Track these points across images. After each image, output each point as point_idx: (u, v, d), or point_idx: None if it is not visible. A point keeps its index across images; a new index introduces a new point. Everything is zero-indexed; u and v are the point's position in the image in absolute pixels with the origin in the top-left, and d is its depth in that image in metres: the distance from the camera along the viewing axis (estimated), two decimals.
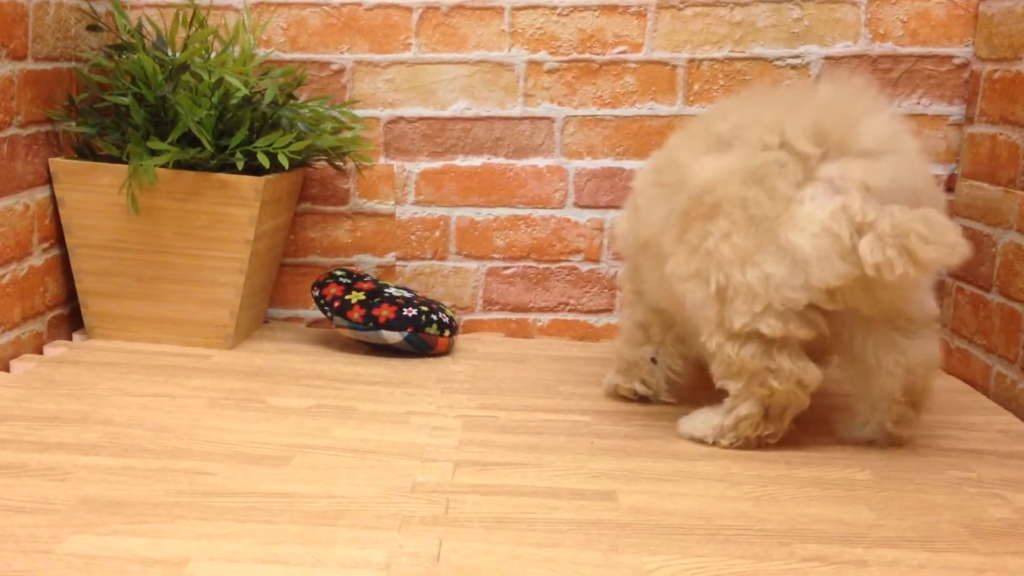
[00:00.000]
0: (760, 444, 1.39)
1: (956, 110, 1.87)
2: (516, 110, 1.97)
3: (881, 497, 1.24)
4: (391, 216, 2.01)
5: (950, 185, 1.89)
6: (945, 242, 1.24)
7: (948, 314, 1.87)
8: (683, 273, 1.38)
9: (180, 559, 1.00)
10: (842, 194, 1.28)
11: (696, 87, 1.94)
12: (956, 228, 1.26)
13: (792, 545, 1.09)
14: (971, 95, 1.83)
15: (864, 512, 1.19)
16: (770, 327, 1.31)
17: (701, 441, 1.42)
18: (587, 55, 1.95)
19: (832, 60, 1.89)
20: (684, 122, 1.92)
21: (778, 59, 1.91)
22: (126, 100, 1.74)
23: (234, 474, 1.23)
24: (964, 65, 1.86)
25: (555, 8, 1.94)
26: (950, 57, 1.87)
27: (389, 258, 2.02)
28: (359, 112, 1.96)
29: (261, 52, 1.94)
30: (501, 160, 1.99)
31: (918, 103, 1.88)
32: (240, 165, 1.71)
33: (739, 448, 1.39)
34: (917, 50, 1.87)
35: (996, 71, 1.74)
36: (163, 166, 1.71)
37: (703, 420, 1.43)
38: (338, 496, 1.18)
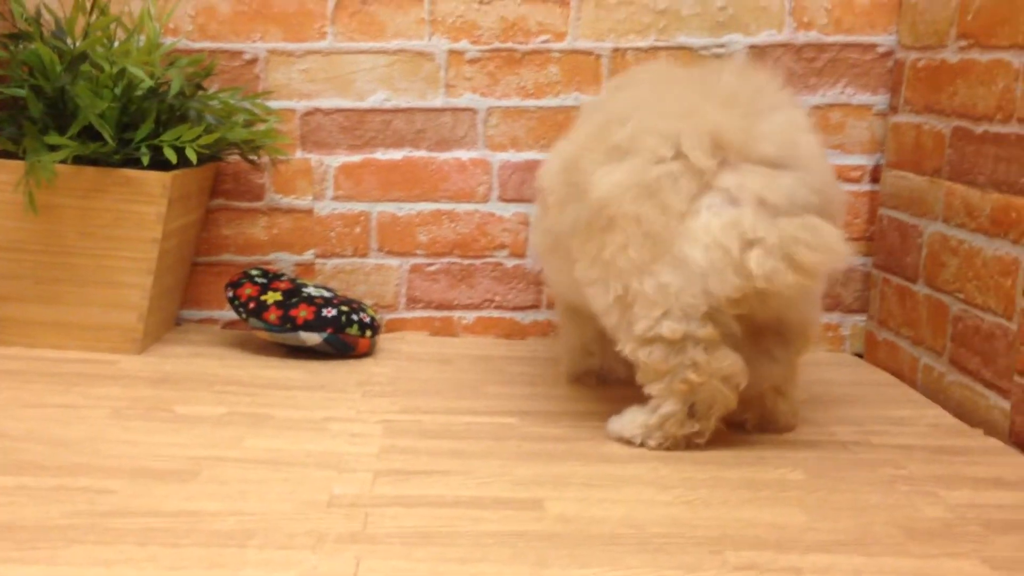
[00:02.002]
0: (689, 444, 1.36)
1: (881, 99, 1.86)
2: (437, 101, 1.91)
3: (814, 498, 1.21)
4: (309, 212, 1.93)
5: (875, 176, 1.88)
6: (828, 248, 1.25)
7: (875, 306, 1.85)
8: (587, 279, 1.39)
9: None
10: (737, 207, 1.27)
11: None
12: (840, 234, 1.27)
13: (724, 553, 1.05)
14: (895, 84, 1.82)
15: (797, 515, 1.16)
16: (671, 330, 1.29)
17: (629, 442, 1.38)
18: (510, 44, 1.89)
19: (757, 49, 1.86)
20: None
21: (703, 48, 1.87)
22: (23, 92, 1.64)
23: (136, 492, 1.16)
24: (888, 53, 1.84)
25: None
26: (874, 45, 1.85)
27: (308, 256, 1.95)
28: (273, 104, 1.88)
29: (168, 41, 1.85)
30: (423, 153, 1.93)
31: (843, 92, 1.86)
32: (145, 160, 1.62)
33: (667, 449, 1.35)
34: (841, 39, 1.85)
35: (920, 59, 1.73)
36: (62, 162, 1.62)
37: (631, 419, 1.39)
38: (248, 513, 1.11)
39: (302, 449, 1.32)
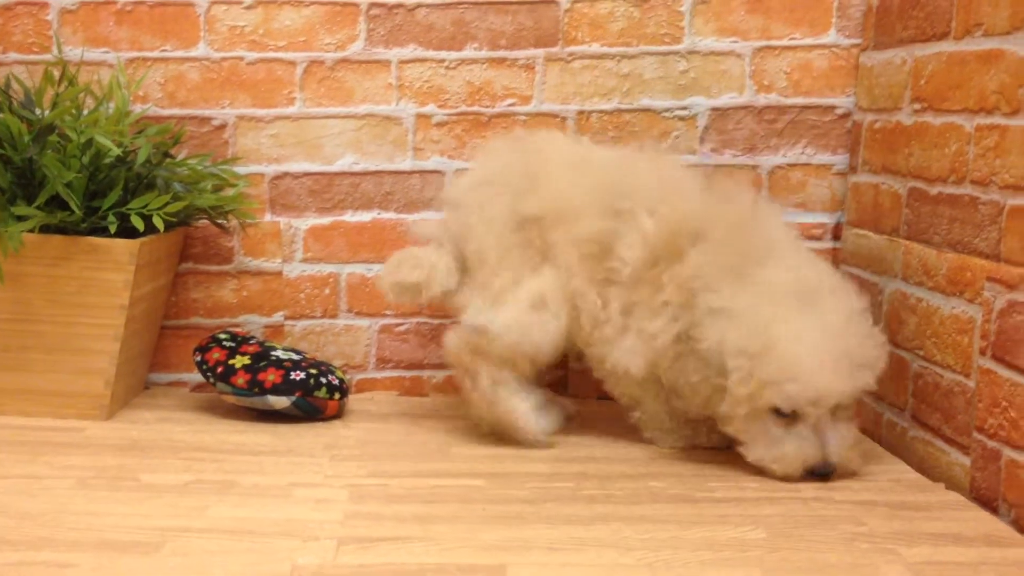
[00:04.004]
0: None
1: (840, 159, 1.90)
2: (406, 164, 1.94)
3: (775, 558, 1.22)
4: (278, 274, 1.95)
5: (836, 233, 1.91)
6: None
7: None
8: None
9: None
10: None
11: (586, 139, 1.92)
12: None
13: None
14: (854, 145, 1.86)
15: None
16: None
17: None
18: (476, 108, 1.93)
19: (718, 111, 1.90)
20: None
21: (666, 111, 1.91)
22: None
23: (99, 565, 1.15)
24: (846, 115, 1.89)
25: (443, 61, 1.91)
26: (833, 107, 1.89)
27: (277, 317, 1.96)
28: (242, 168, 1.90)
29: (137, 108, 1.87)
30: (391, 215, 1.95)
31: (803, 152, 1.90)
32: (113, 228, 1.63)
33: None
34: (801, 100, 1.89)
35: (876, 121, 1.77)
36: (30, 231, 1.63)
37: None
38: None
39: (267, 517, 1.32)
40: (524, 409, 1.64)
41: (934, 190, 1.56)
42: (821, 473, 1.48)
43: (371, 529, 1.29)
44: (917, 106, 1.62)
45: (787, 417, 1.47)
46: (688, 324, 1.52)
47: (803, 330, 1.44)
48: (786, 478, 1.49)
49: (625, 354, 1.59)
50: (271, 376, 1.72)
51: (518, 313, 1.61)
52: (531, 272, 1.64)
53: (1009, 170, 1.37)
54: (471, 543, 1.25)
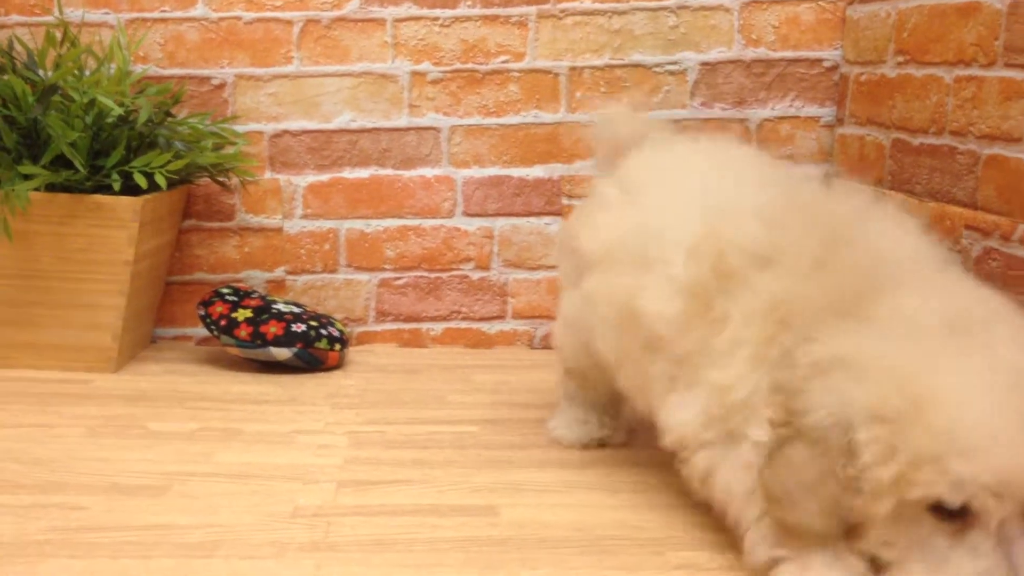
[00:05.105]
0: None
1: (827, 112, 1.93)
2: (402, 121, 1.98)
3: None
4: (279, 230, 1.99)
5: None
6: None
7: None
8: None
9: None
10: None
11: (578, 94, 1.96)
12: None
13: (666, 554, 1.12)
14: (841, 97, 1.89)
15: None
16: None
17: None
18: (470, 65, 1.96)
19: (708, 66, 1.93)
20: (568, 129, 1.95)
21: (656, 66, 1.94)
22: None
23: (109, 507, 1.21)
24: (834, 68, 1.92)
25: (437, 19, 1.94)
26: (820, 60, 1.92)
27: (279, 273, 2.01)
28: (242, 127, 1.94)
29: (138, 69, 1.91)
30: (389, 171, 1.99)
31: (791, 105, 1.93)
32: (117, 186, 1.68)
33: None
34: (789, 54, 1.92)
35: (863, 74, 1.80)
36: (36, 189, 1.67)
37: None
38: (216, 525, 1.17)
39: (270, 462, 1.38)
40: (559, 422, 1.50)
41: (916, 141, 1.60)
42: None
43: (369, 473, 1.35)
44: (900, 59, 1.66)
45: (955, 517, 0.94)
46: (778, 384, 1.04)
47: (970, 377, 0.94)
48: None
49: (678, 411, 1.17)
50: (273, 328, 1.77)
51: None
52: None
53: (985, 120, 1.40)
54: (464, 486, 1.31)
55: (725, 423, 1.09)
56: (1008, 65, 1.35)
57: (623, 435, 1.48)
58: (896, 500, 0.94)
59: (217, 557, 1.09)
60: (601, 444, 1.47)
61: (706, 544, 1.14)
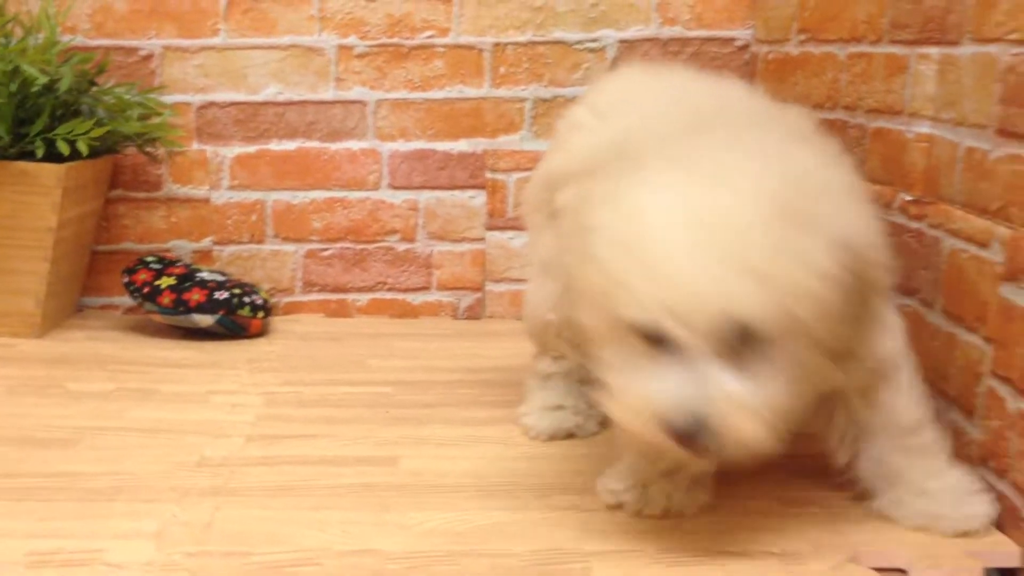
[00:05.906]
0: None
1: None
2: (328, 94, 2.01)
3: None
4: (206, 201, 2.03)
5: None
6: None
7: None
8: None
9: None
10: None
11: (502, 70, 2.01)
12: None
13: (551, 496, 1.18)
14: (752, 75, 1.96)
15: None
16: None
17: None
18: (396, 40, 2.00)
19: (626, 43, 1.99)
20: (492, 104, 2.00)
21: (577, 43, 2.00)
22: None
23: (21, 457, 1.25)
24: (745, 47, 1.98)
25: None
26: (732, 40, 1.99)
27: (206, 243, 2.04)
28: (169, 98, 1.97)
29: (65, 39, 1.93)
30: (315, 144, 2.03)
31: None
32: (40, 153, 1.71)
33: None
34: (703, 33, 1.98)
35: (770, 52, 1.87)
36: None
37: None
38: (122, 473, 1.21)
39: (182, 419, 1.42)
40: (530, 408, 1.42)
41: (815, 116, 1.66)
42: (681, 432, 0.92)
43: (280, 428, 1.40)
44: (802, 37, 1.72)
45: (657, 344, 0.94)
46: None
47: (675, 212, 0.94)
48: (631, 430, 0.98)
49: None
50: (196, 295, 1.81)
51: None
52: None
53: (873, 95, 1.47)
54: (370, 440, 1.36)
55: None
56: (892, 41, 1.42)
57: (595, 424, 1.39)
58: (605, 319, 0.97)
59: (119, 501, 1.13)
60: (569, 435, 1.38)
61: (590, 489, 1.19)
